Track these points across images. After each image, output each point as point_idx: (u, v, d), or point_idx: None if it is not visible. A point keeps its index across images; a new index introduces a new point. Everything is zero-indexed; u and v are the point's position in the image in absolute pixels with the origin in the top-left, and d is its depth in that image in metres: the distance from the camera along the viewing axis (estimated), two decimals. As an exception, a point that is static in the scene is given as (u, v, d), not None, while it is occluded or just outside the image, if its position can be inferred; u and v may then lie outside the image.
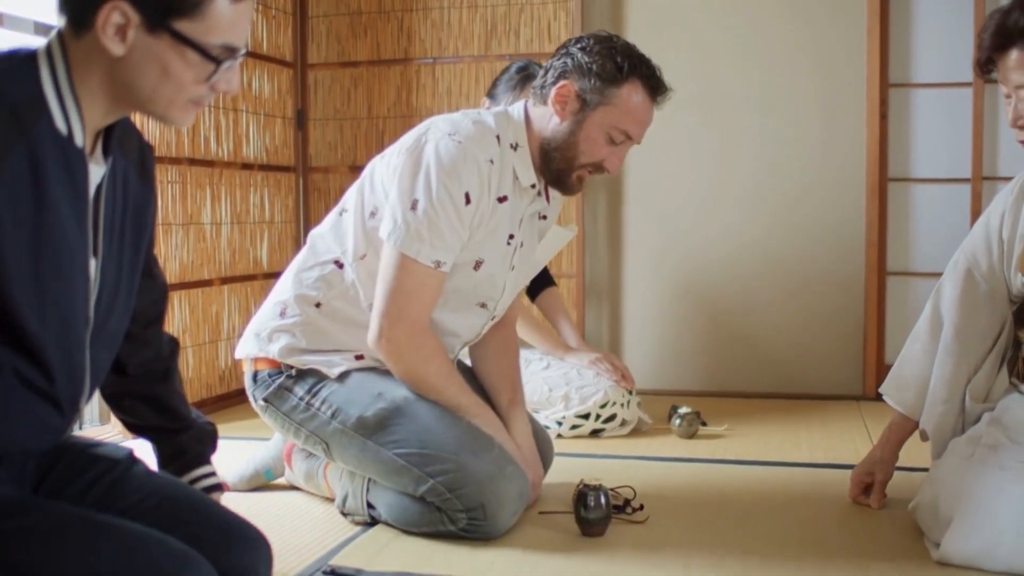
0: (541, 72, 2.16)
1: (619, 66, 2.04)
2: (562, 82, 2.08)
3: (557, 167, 2.12)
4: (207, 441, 1.63)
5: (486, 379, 2.33)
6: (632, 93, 2.06)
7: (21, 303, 1.21)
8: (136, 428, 1.61)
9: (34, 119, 1.20)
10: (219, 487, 1.62)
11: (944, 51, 3.57)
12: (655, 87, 2.08)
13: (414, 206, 2.01)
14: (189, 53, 1.23)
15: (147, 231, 1.46)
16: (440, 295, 2.09)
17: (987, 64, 1.93)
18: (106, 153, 1.32)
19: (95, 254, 1.32)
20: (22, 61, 1.23)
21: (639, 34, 3.78)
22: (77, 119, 1.25)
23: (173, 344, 1.64)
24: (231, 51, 1.26)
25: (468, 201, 2.03)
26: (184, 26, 1.22)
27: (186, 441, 1.60)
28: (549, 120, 2.11)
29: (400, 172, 2.05)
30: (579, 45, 2.09)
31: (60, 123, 1.23)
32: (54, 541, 1.21)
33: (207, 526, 1.41)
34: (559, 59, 2.11)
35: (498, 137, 2.10)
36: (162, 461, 1.61)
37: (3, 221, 1.17)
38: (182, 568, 1.26)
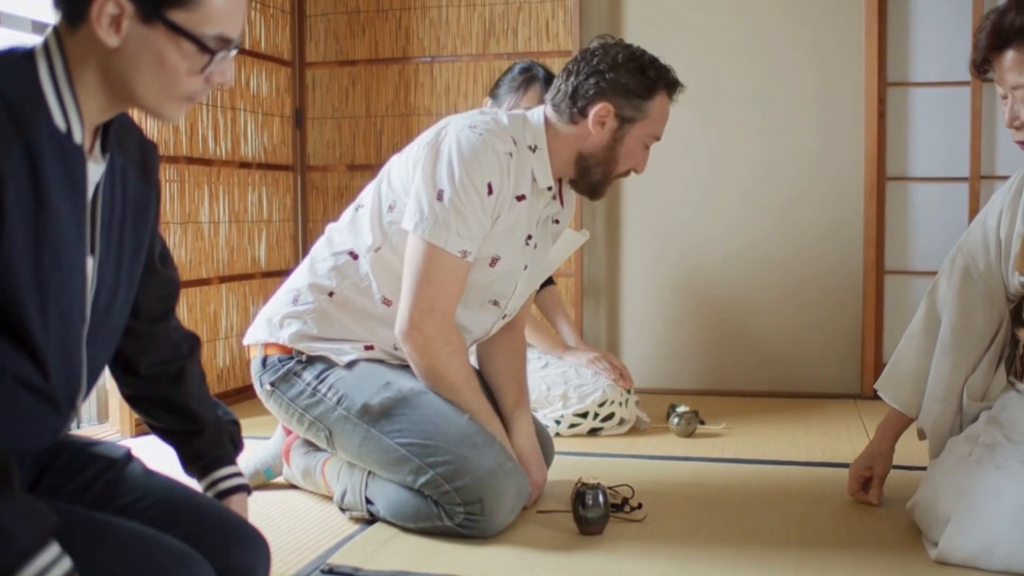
0: (564, 88, 2.15)
1: (652, 81, 2.12)
2: (600, 103, 2.11)
3: (597, 179, 2.19)
4: (225, 443, 1.60)
5: (492, 379, 2.33)
6: (661, 102, 2.15)
7: (23, 300, 1.21)
8: (156, 430, 1.61)
9: (33, 116, 1.19)
10: (242, 488, 1.59)
11: (942, 50, 3.58)
12: (674, 89, 2.18)
13: (440, 196, 2.03)
14: (184, 43, 1.23)
15: (147, 230, 1.45)
16: (465, 286, 2.10)
17: (983, 65, 1.93)
18: (104, 151, 1.32)
19: (92, 252, 1.32)
20: (20, 58, 1.22)
21: (637, 32, 3.78)
22: (76, 115, 1.24)
23: (192, 342, 1.61)
24: (226, 42, 1.26)
25: (491, 191, 2.05)
26: (178, 16, 1.22)
27: (203, 445, 1.58)
28: (586, 137, 2.14)
29: (422, 165, 2.07)
30: (607, 62, 2.11)
31: (59, 120, 1.23)
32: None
33: (205, 525, 1.41)
34: (589, 79, 2.11)
35: (513, 138, 2.12)
36: (183, 464, 1.60)
37: (8, 218, 1.16)
38: (181, 567, 1.26)
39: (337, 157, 4.08)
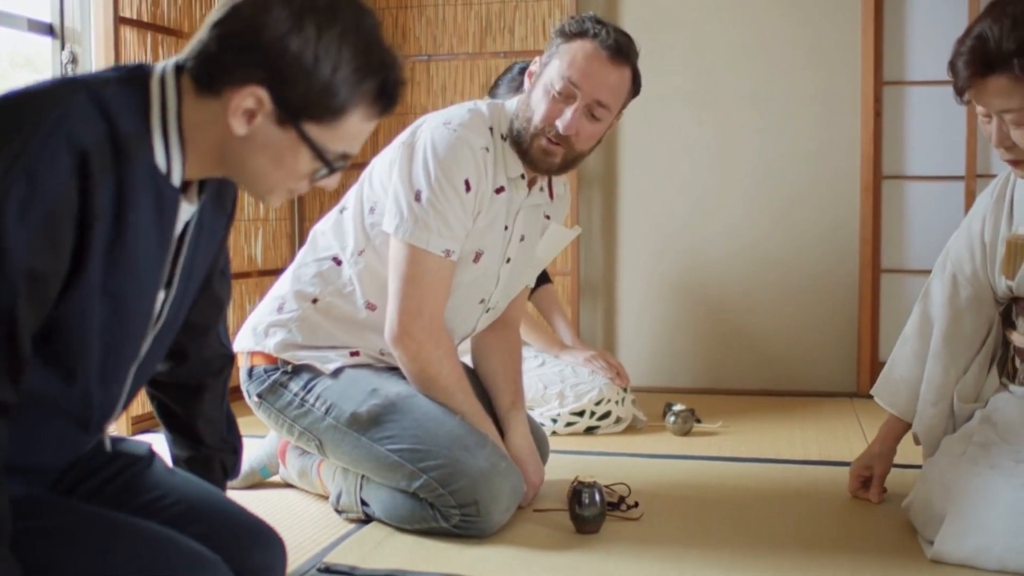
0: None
1: (568, 27, 2.05)
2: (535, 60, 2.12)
3: (519, 137, 2.08)
4: (215, 469, 1.60)
5: (488, 379, 2.32)
6: (580, 44, 2.03)
7: (84, 332, 1.20)
8: (161, 422, 1.62)
9: (134, 150, 1.18)
10: None
11: (938, 48, 3.57)
12: (604, 41, 2.02)
13: (418, 196, 2.02)
14: (307, 152, 1.23)
15: (214, 254, 1.44)
16: (451, 286, 2.09)
17: (965, 91, 1.81)
18: (200, 191, 1.31)
19: (168, 286, 1.31)
20: (136, 89, 1.21)
21: (635, 31, 3.72)
22: (179, 162, 1.23)
23: (223, 361, 1.60)
24: (345, 158, 1.27)
25: (468, 188, 2.03)
26: (313, 129, 1.21)
27: (193, 465, 1.59)
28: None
29: (399, 165, 2.06)
30: None
31: (160, 160, 1.21)
32: (68, 541, 1.21)
33: (223, 525, 1.41)
34: None
35: (491, 128, 2.11)
36: (173, 464, 1.61)
37: (93, 252, 1.15)
38: (195, 569, 1.26)
39: (333, 156, 4.07)
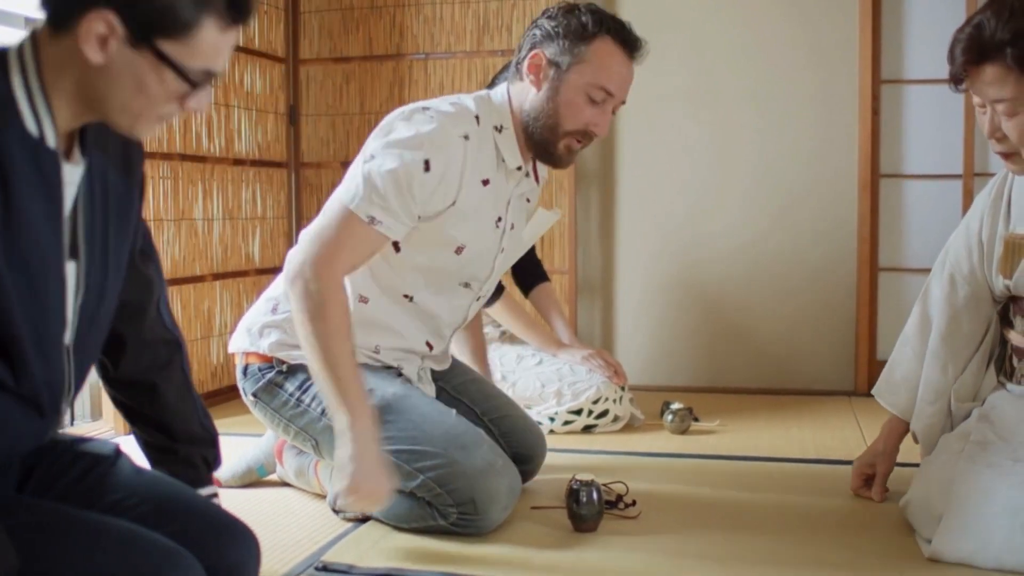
0: (516, 50, 2.15)
1: (584, 23, 2.04)
2: (533, 52, 2.07)
3: (542, 138, 2.08)
4: (198, 464, 1.59)
5: (470, 358, 2.61)
6: (603, 47, 2.04)
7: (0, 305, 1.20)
8: (138, 439, 1.60)
9: (3, 122, 1.18)
10: None
11: (936, 47, 3.56)
12: (627, 40, 2.07)
13: (367, 160, 1.99)
14: (168, 73, 1.22)
15: (131, 229, 1.43)
16: (368, 256, 2.02)
17: (961, 79, 1.85)
18: (83, 153, 1.30)
19: (76, 257, 1.30)
20: None
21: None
22: (48, 121, 1.23)
23: (171, 349, 1.57)
24: (210, 75, 1.26)
25: (428, 168, 1.98)
26: (168, 46, 1.20)
27: (176, 467, 1.57)
28: (527, 94, 2.09)
29: (368, 140, 2.05)
30: (545, 15, 2.10)
31: (31, 125, 1.21)
32: (38, 540, 1.20)
33: (194, 522, 1.40)
34: (528, 32, 2.11)
35: (477, 118, 2.08)
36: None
37: None
38: (168, 565, 1.25)
39: (331, 154, 4.07)
